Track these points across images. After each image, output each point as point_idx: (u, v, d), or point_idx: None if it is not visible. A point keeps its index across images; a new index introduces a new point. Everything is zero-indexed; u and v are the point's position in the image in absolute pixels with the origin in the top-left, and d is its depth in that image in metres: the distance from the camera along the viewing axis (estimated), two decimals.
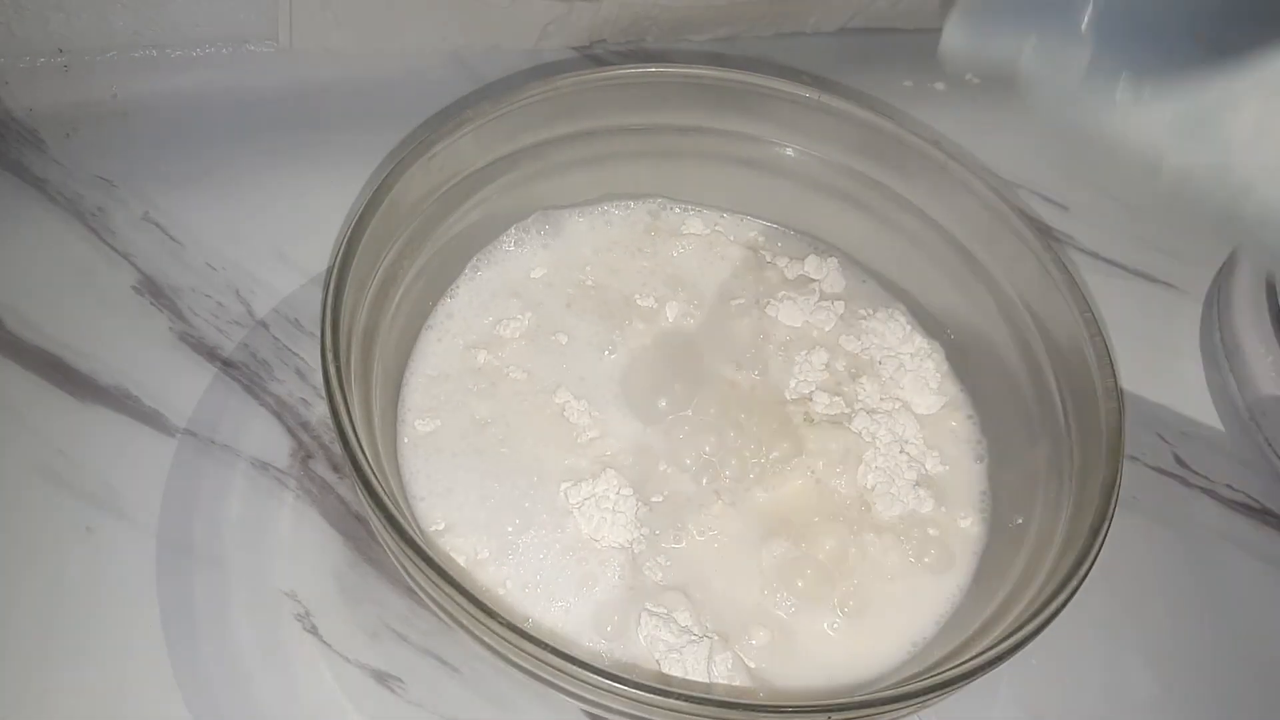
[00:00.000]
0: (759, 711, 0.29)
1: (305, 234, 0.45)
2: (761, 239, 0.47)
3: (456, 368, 0.40)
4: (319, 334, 0.33)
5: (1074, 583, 0.32)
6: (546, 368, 0.40)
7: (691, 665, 0.34)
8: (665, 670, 0.34)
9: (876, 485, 0.39)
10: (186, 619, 0.35)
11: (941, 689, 0.30)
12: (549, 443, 0.38)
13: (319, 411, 0.40)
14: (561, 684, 0.29)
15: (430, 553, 0.29)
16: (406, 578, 0.30)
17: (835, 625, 0.36)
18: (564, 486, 0.37)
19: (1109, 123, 0.32)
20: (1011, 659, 0.30)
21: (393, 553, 0.31)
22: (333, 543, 0.37)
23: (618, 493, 0.37)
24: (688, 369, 0.41)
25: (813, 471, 0.39)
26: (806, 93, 0.43)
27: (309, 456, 0.40)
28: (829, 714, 0.29)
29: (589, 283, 0.43)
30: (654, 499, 0.38)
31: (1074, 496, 0.36)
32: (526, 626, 0.29)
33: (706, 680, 0.33)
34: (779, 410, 0.40)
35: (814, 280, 0.45)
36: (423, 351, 0.40)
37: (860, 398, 0.42)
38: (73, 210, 0.44)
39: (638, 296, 0.43)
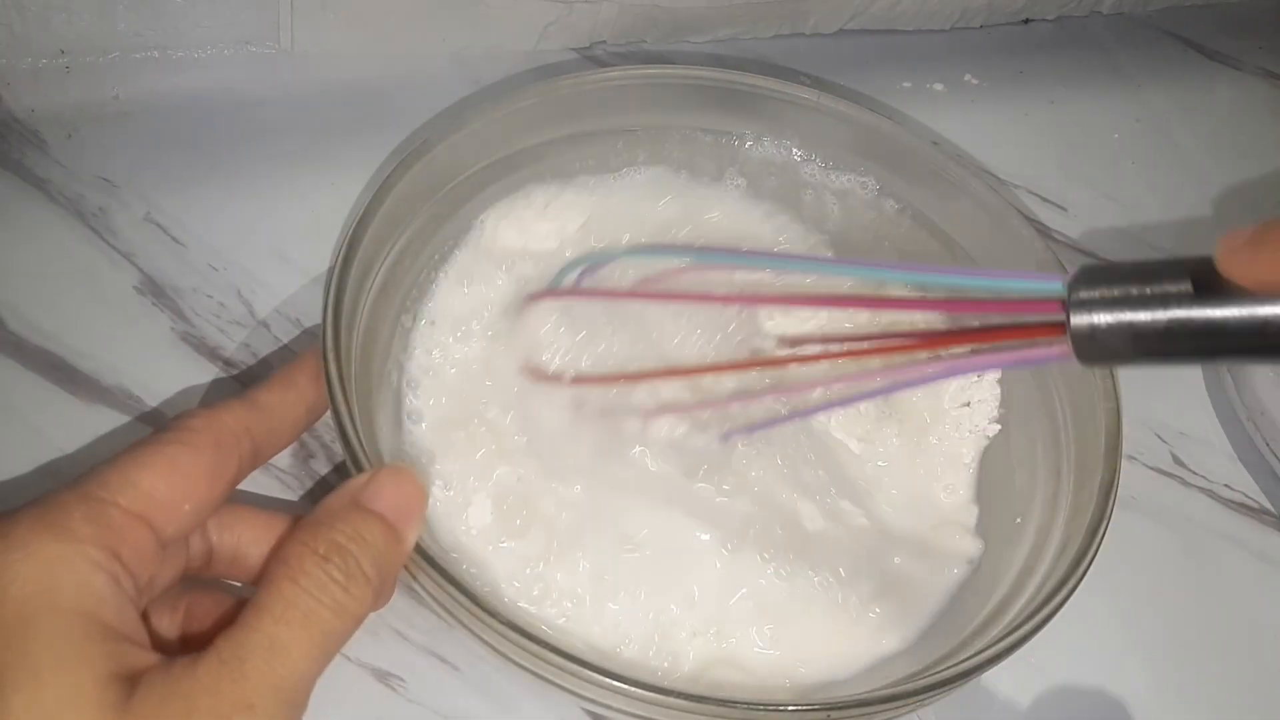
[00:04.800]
0: (759, 711, 0.29)
1: (306, 234, 0.45)
2: None
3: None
4: (320, 334, 0.33)
5: (1072, 582, 0.32)
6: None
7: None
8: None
9: None
10: None
11: (940, 688, 0.30)
12: (550, 441, 0.38)
13: None
14: (562, 682, 0.29)
15: (431, 552, 0.30)
16: (407, 576, 0.30)
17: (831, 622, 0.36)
18: (566, 482, 0.37)
19: None
20: (1009, 658, 0.31)
21: None
22: None
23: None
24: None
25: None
26: (806, 93, 0.43)
27: (310, 456, 0.40)
28: (829, 713, 0.29)
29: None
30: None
31: (1072, 496, 0.36)
32: (527, 625, 0.29)
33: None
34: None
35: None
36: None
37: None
38: (74, 211, 0.44)
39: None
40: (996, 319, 0.29)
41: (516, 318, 0.39)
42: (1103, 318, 0.26)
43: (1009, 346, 0.29)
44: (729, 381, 0.39)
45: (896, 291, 0.42)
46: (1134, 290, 0.26)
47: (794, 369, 0.38)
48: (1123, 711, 0.39)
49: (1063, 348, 0.27)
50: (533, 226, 0.42)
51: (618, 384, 0.37)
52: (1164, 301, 0.25)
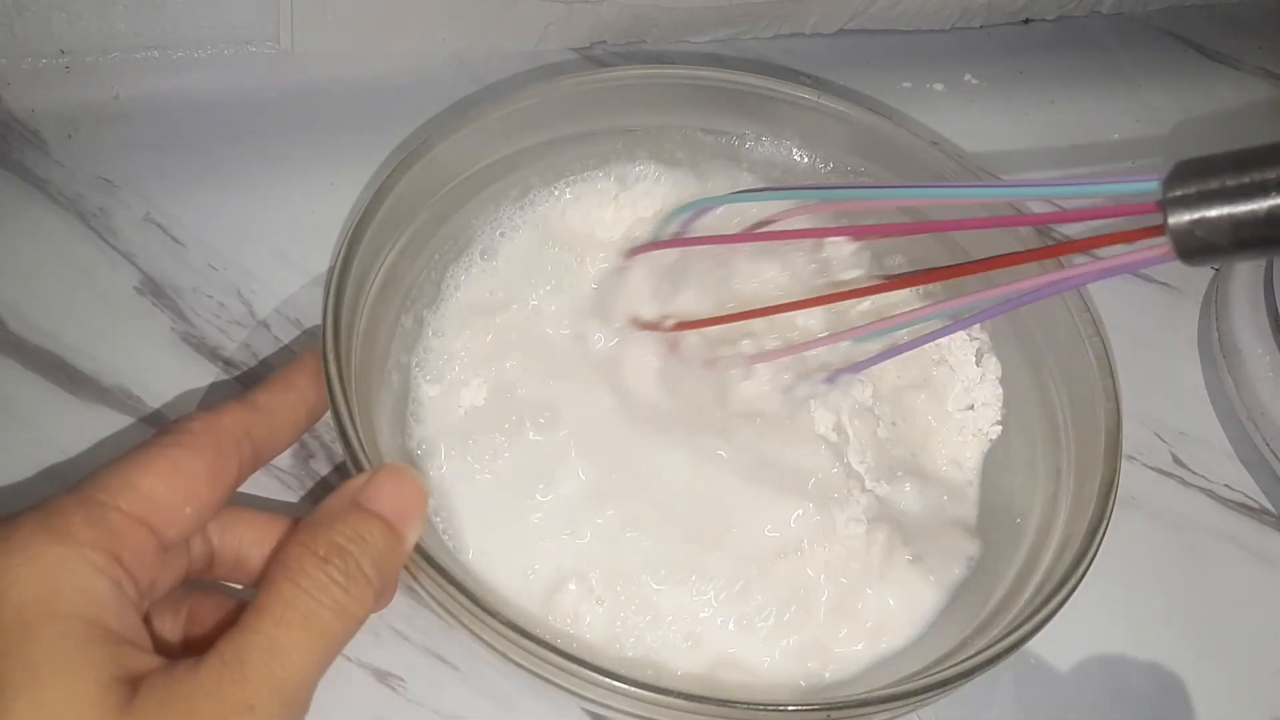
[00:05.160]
0: (759, 711, 0.29)
1: (306, 234, 0.45)
2: None
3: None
4: (320, 334, 0.33)
5: (1072, 582, 0.32)
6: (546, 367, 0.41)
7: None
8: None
9: None
10: None
11: (939, 688, 0.30)
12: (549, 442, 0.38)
13: None
14: (562, 682, 0.29)
15: (431, 551, 0.30)
16: (407, 576, 0.30)
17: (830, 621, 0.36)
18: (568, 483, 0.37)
19: None
20: (1009, 658, 0.31)
21: None
22: None
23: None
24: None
25: None
26: (806, 93, 0.43)
27: (310, 456, 0.40)
28: (829, 712, 0.29)
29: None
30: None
31: (1072, 496, 0.36)
32: (527, 625, 0.29)
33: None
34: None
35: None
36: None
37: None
38: (74, 211, 0.44)
39: None
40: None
41: (614, 275, 0.41)
42: (1202, 213, 0.25)
43: (1102, 266, 0.29)
44: (810, 323, 0.40)
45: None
46: (1230, 181, 0.25)
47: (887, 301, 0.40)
48: (1123, 711, 0.39)
49: (1162, 249, 0.26)
50: (601, 214, 0.44)
51: (719, 324, 0.39)
52: (1264, 189, 0.25)
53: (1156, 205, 0.27)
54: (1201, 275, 0.53)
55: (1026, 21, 0.65)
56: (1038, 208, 0.46)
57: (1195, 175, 0.26)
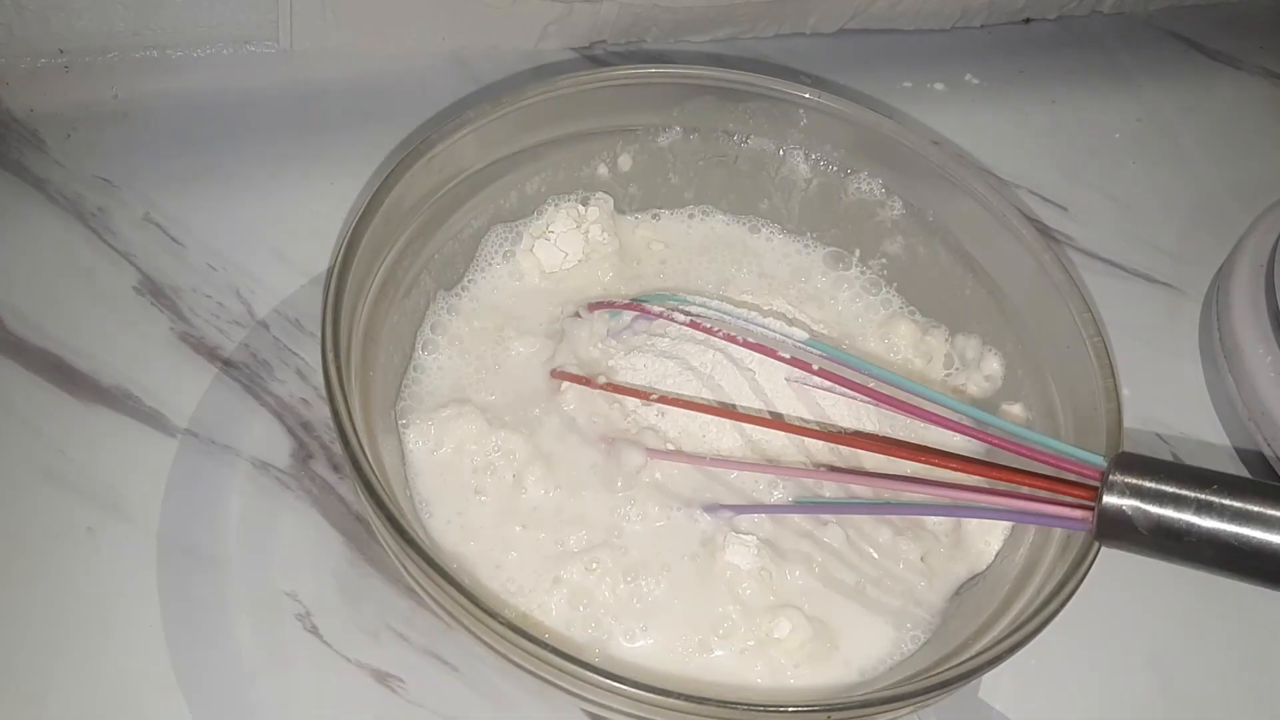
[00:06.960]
0: (759, 711, 0.29)
1: (306, 234, 0.45)
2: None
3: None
4: (320, 334, 0.33)
5: (1073, 582, 0.32)
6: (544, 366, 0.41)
7: None
8: None
9: None
10: (187, 619, 0.35)
11: (940, 689, 0.30)
12: (549, 444, 0.38)
13: (319, 412, 0.41)
14: (561, 683, 0.29)
15: (431, 552, 0.29)
16: (407, 577, 0.30)
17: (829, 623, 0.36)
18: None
19: None
20: (1010, 659, 0.31)
21: (393, 552, 0.31)
22: (333, 543, 0.38)
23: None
24: None
25: None
26: (806, 93, 0.43)
27: (309, 456, 0.40)
28: (829, 713, 0.29)
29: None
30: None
31: None
32: (526, 626, 0.29)
33: None
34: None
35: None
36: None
37: None
38: (73, 211, 0.44)
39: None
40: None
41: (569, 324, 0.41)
42: (1138, 505, 0.27)
43: (1026, 506, 0.30)
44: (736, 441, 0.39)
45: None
46: (1171, 488, 0.27)
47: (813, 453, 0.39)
48: (1122, 713, 0.39)
49: (1084, 516, 0.28)
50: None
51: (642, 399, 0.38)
52: (1196, 506, 0.27)
53: (1099, 476, 0.28)
54: (1203, 275, 0.53)
55: (1027, 21, 0.65)
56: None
57: (1139, 469, 0.28)
